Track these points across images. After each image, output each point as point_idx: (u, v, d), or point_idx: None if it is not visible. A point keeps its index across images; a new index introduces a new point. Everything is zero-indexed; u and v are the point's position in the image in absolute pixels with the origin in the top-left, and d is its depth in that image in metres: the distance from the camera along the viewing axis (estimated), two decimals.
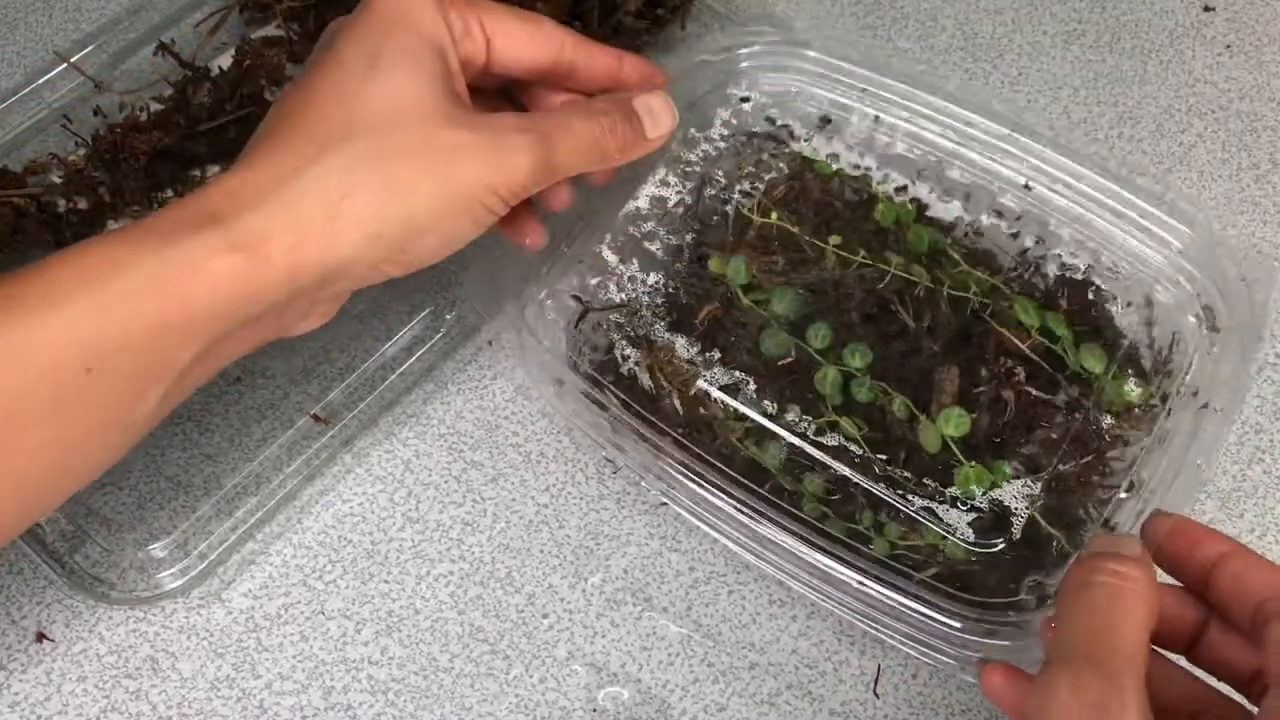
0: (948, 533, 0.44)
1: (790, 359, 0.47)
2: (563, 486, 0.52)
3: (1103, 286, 0.51)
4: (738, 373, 0.47)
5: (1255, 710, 0.35)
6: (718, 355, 0.48)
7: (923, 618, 0.43)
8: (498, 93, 0.50)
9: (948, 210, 0.53)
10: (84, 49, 0.60)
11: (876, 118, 0.55)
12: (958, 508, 0.44)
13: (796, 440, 0.46)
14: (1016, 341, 0.47)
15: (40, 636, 0.48)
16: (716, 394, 0.47)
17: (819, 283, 0.49)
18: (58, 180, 0.58)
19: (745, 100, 0.56)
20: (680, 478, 0.46)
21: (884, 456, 0.45)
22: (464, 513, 0.51)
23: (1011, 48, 0.66)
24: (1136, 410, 0.47)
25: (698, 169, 0.54)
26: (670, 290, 0.50)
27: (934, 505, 0.44)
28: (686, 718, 0.46)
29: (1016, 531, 0.44)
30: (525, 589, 0.49)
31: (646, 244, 0.52)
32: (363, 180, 0.39)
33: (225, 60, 0.61)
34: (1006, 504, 0.44)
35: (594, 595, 0.49)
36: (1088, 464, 0.46)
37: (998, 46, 0.66)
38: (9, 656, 0.48)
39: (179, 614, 0.49)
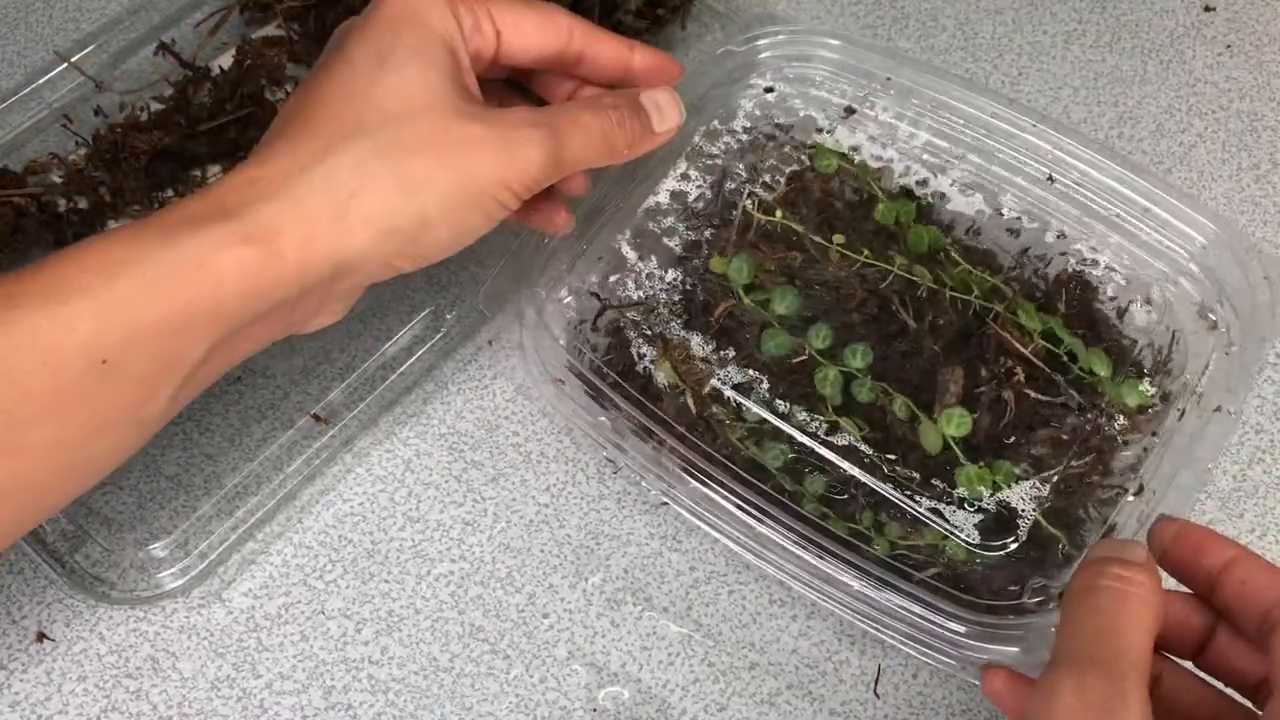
0: (953, 534, 0.44)
1: (803, 357, 0.47)
2: (563, 486, 0.52)
3: (1108, 284, 0.51)
4: (751, 371, 0.47)
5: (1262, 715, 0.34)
6: (732, 353, 0.48)
7: (923, 618, 0.43)
8: (505, 83, 0.50)
9: (969, 203, 0.53)
10: (84, 49, 0.60)
11: (900, 108, 0.55)
12: (965, 509, 0.44)
13: (807, 440, 0.46)
14: (1018, 346, 0.47)
15: (41, 636, 0.48)
16: (729, 393, 0.47)
17: (822, 282, 0.49)
18: (58, 180, 0.58)
19: (769, 90, 0.56)
20: (681, 478, 0.46)
21: (892, 457, 0.45)
22: (464, 512, 0.51)
23: (1011, 48, 0.66)
24: (1139, 411, 0.47)
25: (719, 162, 0.54)
26: (688, 287, 0.50)
27: (941, 506, 0.44)
28: (687, 717, 0.46)
29: (1023, 533, 0.44)
30: (525, 589, 0.49)
31: (665, 240, 0.52)
32: (372, 177, 0.39)
33: (226, 60, 0.61)
34: (1013, 505, 0.44)
35: (594, 595, 0.49)
36: (1090, 465, 0.46)
37: (998, 46, 0.66)
38: (9, 656, 0.48)
39: (179, 614, 0.49)
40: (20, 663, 0.47)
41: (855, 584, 0.43)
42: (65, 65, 0.60)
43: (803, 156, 0.54)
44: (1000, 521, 0.44)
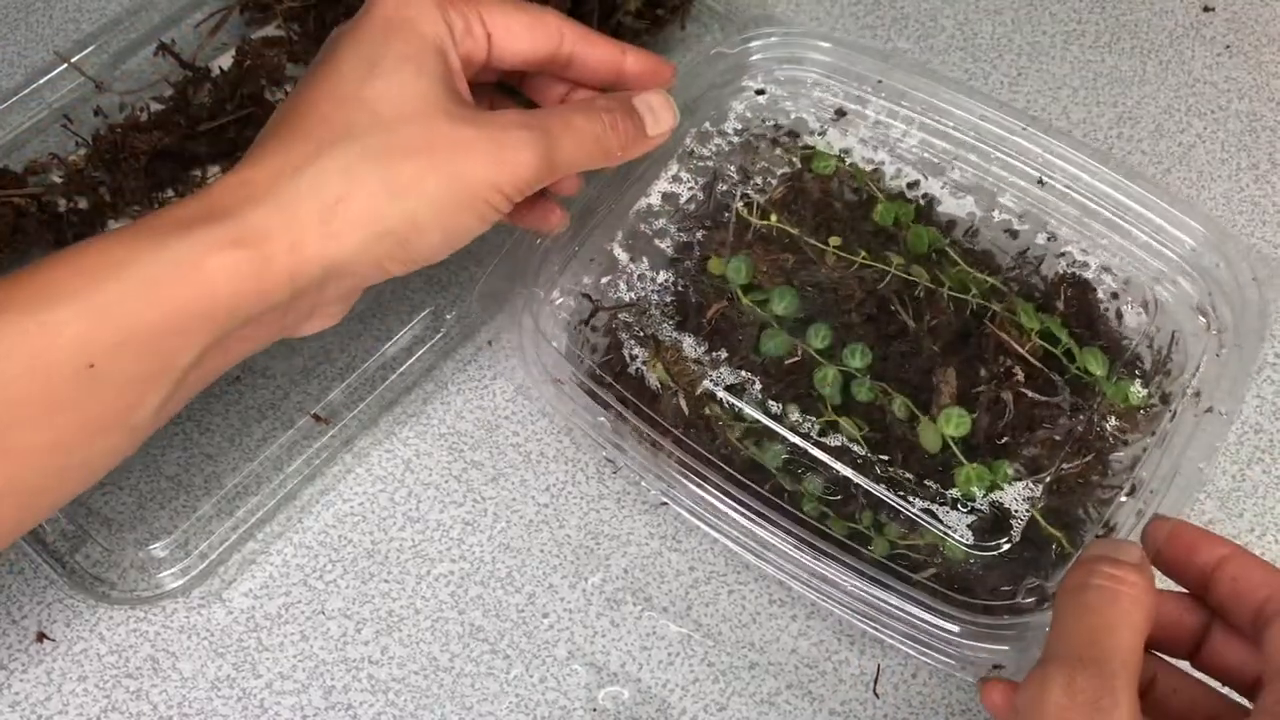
0: (948, 534, 0.44)
1: (797, 358, 0.47)
2: (563, 486, 0.52)
3: (1104, 285, 0.51)
4: (744, 373, 0.47)
5: None
6: (724, 355, 0.48)
7: (922, 618, 0.43)
8: (497, 87, 0.50)
9: (960, 206, 0.53)
10: (84, 49, 0.60)
11: (891, 111, 0.55)
12: (958, 509, 0.44)
13: (800, 441, 0.46)
14: (1016, 346, 0.47)
15: (41, 636, 0.48)
16: (722, 394, 0.47)
17: (815, 284, 0.49)
18: (58, 180, 0.58)
19: (760, 93, 0.56)
20: (680, 478, 0.46)
21: (885, 457, 0.45)
22: (464, 512, 0.51)
23: (1011, 48, 0.66)
24: (1137, 412, 0.47)
25: (710, 164, 0.54)
26: (680, 289, 0.50)
27: (934, 507, 0.44)
28: (686, 717, 0.46)
29: (1016, 534, 0.44)
30: (525, 589, 0.49)
31: (657, 241, 0.52)
32: (360, 181, 0.39)
33: (226, 60, 0.61)
34: (1007, 506, 0.44)
35: (594, 595, 0.49)
36: (1088, 464, 0.46)
37: (998, 46, 0.66)
38: (10, 656, 0.48)
39: (179, 614, 0.49)
40: (20, 663, 0.48)
41: (854, 584, 0.43)
42: (65, 65, 0.60)
43: (794, 159, 0.54)
44: (994, 522, 0.44)
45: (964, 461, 0.45)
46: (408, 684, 0.47)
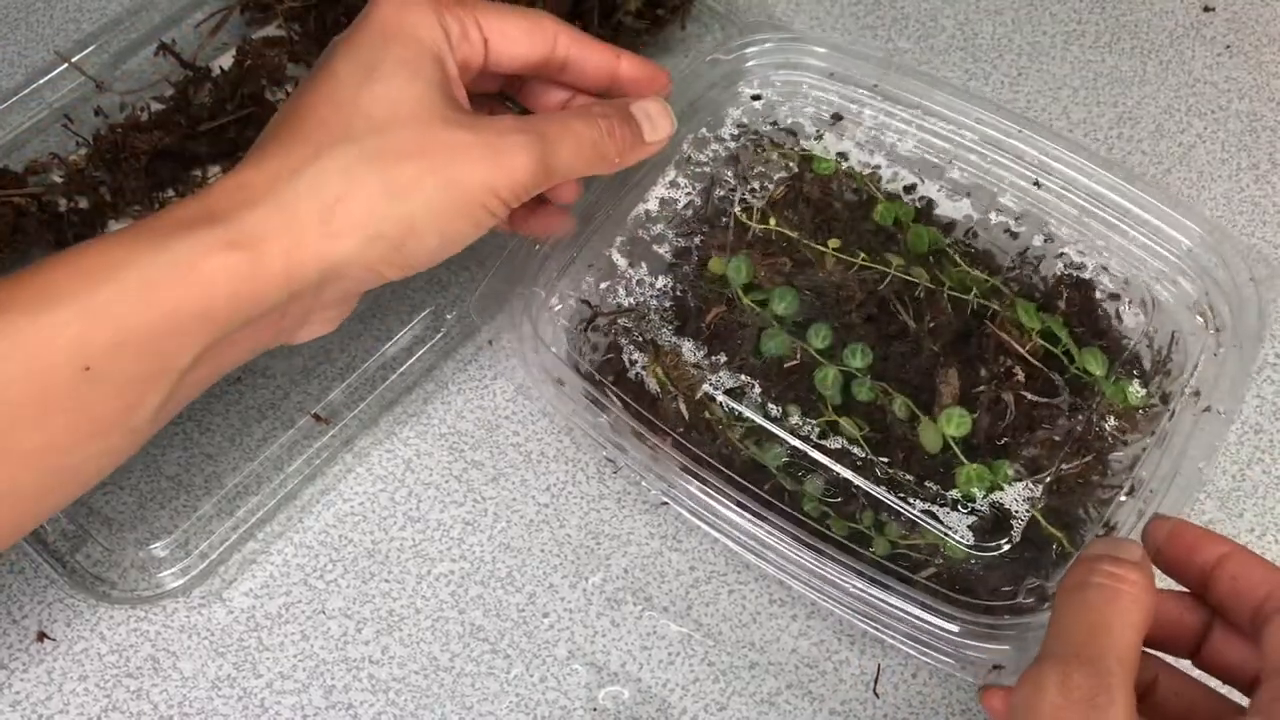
0: (948, 535, 0.44)
1: (796, 361, 0.47)
2: (563, 486, 0.52)
3: (1103, 286, 0.51)
4: (743, 376, 0.47)
5: None
6: (723, 359, 0.48)
7: (922, 618, 0.43)
8: (495, 96, 0.50)
9: (956, 208, 0.53)
10: (85, 49, 0.61)
11: (887, 114, 0.55)
12: (958, 510, 0.44)
13: (799, 444, 0.46)
14: (1017, 346, 0.47)
15: (41, 636, 0.48)
16: (721, 398, 0.47)
17: (813, 287, 0.49)
18: (59, 180, 0.58)
19: (756, 98, 0.56)
20: (680, 478, 0.46)
21: (885, 459, 0.45)
22: (465, 512, 0.51)
23: (1011, 48, 0.66)
24: (1136, 412, 0.47)
25: (707, 169, 0.54)
26: (678, 294, 0.50)
27: (935, 508, 0.44)
28: (687, 717, 0.46)
29: (1016, 534, 0.44)
30: (526, 588, 0.49)
31: (655, 247, 0.52)
32: (359, 183, 0.39)
33: (226, 60, 0.61)
34: (1007, 506, 0.44)
35: (594, 595, 0.49)
36: (1088, 464, 0.46)
37: (998, 47, 0.66)
38: (10, 656, 0.48)
39: (180, 613, 0.49)
40: (21, 662, 0.48)
41: (854, 584, 0.43)
42: (66, 65, 0.60)
43: (790, 164, 0.54)
44: (994, 523, 0.44)
45: (964, 461, 0.45)
46: (408, 684, 0.47)
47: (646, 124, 0.46)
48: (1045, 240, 0.52)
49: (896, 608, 0.43)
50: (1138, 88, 0.64)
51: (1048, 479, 0.45)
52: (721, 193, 0.53)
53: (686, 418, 0.47)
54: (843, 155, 0.54)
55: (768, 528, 0.45)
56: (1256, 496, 0.51)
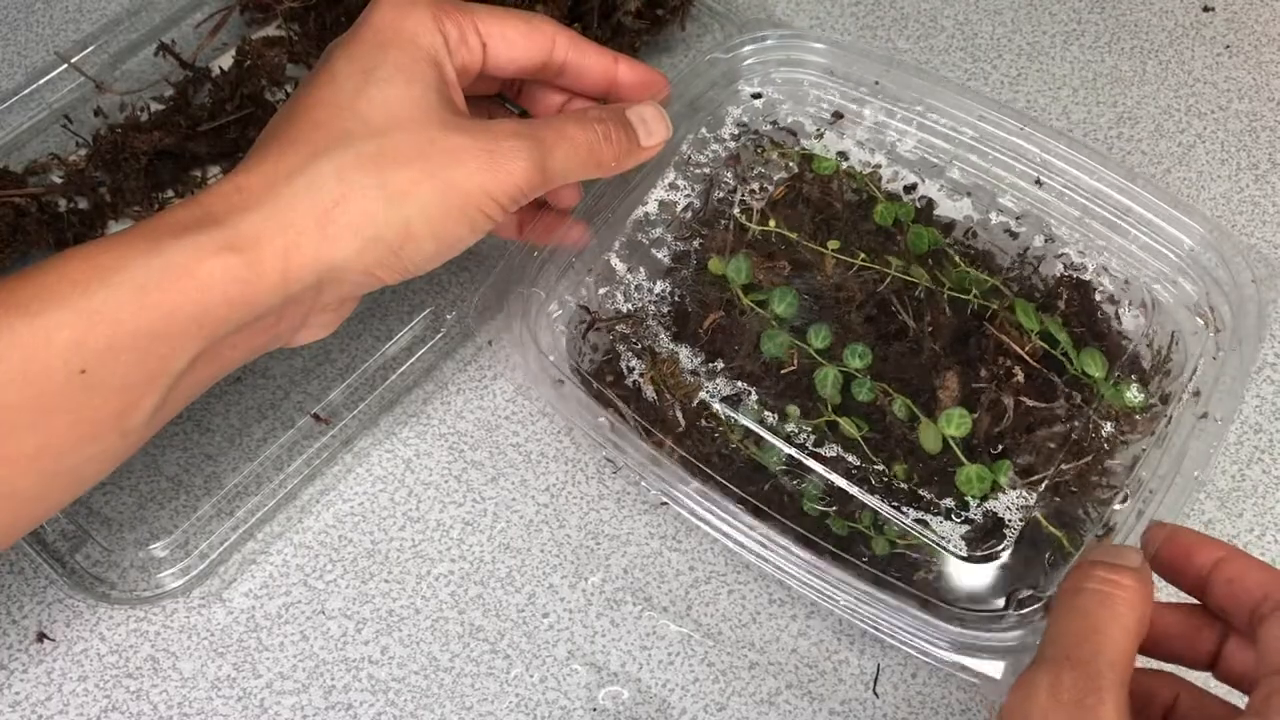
0: (941, 546, 0.44)
1: (793, 367, 0.47)
2: (563, 486, 0.52)
3: (1103, 286, 0.51)
4: (740, 383, 0.47)
5: None
6: (720, 365, 0.48)
7: (922, 618, 0.43)
8: (493, 98, 0.50)
9: (956, 208, 0.53)
10: (85, 49, 0.61)
11: (888, 113, 0.54)
12: (951, 520, 0.44)
13: (794, 452, 0.46)
14: (1016, 348, 0.47)
15: (41, 636, 0.48)
16: (718, 406, 0.47)
17: (816, 290, 0.49)
18: (58, 180, 0.58)
19: (757, 96, 0.56)
20: (680, 478, 0.46)
21: (881, 466, 0.45)
22: (464, 512, 0.51)
23: (1011, 48, 0.66)
24: (1136, 413, 0.47)
25: (706, 170, 0.54)
26: (677, 298, 0.50)
27: (928, 517, 0.44)
28: (686, 717, 0.46)
29: (1014, 535, 0.44)
30: (525, 588, 0.49)
31: (654, 251, 0.52)
32: (357, 185, 0.39)
33: (226, 60, 0.61)
34: (1006, 506, 0.44)
35: (594, 595, 0.49)
36: (1088, 465, 0.46)
37: (998, 46, 0.66)
38: (10, 656, 0.48)
39: (180, 613, 0.49)
40: (21, 662, 0.48)
41: (855, 583, 0.43)
42: (65, 66, 0.60)
43: (790, 163, 0.54)
44: (987, 531, 0.44)
45: (964, 462, 0.45)
46: (408, 684, 0.47)
47: (642, 129, 0.46)
48: (1046, 240, 0.52)
49: (896, 608, 0.43)
50: (1138, 87, 0.64)
51: (1047, 479, 0.45)
52: (721, 194, 0.53)
53: (683, 426, 0.47)
54: (843, 154, 0.54)
55: (767, 528, 0.45)
56: (1256, 496, 0.51)
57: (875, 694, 0.47)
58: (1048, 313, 0.49)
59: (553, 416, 0.53)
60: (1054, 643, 0.34)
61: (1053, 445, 0.46)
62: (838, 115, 0.55)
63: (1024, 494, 0.45)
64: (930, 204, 0.53)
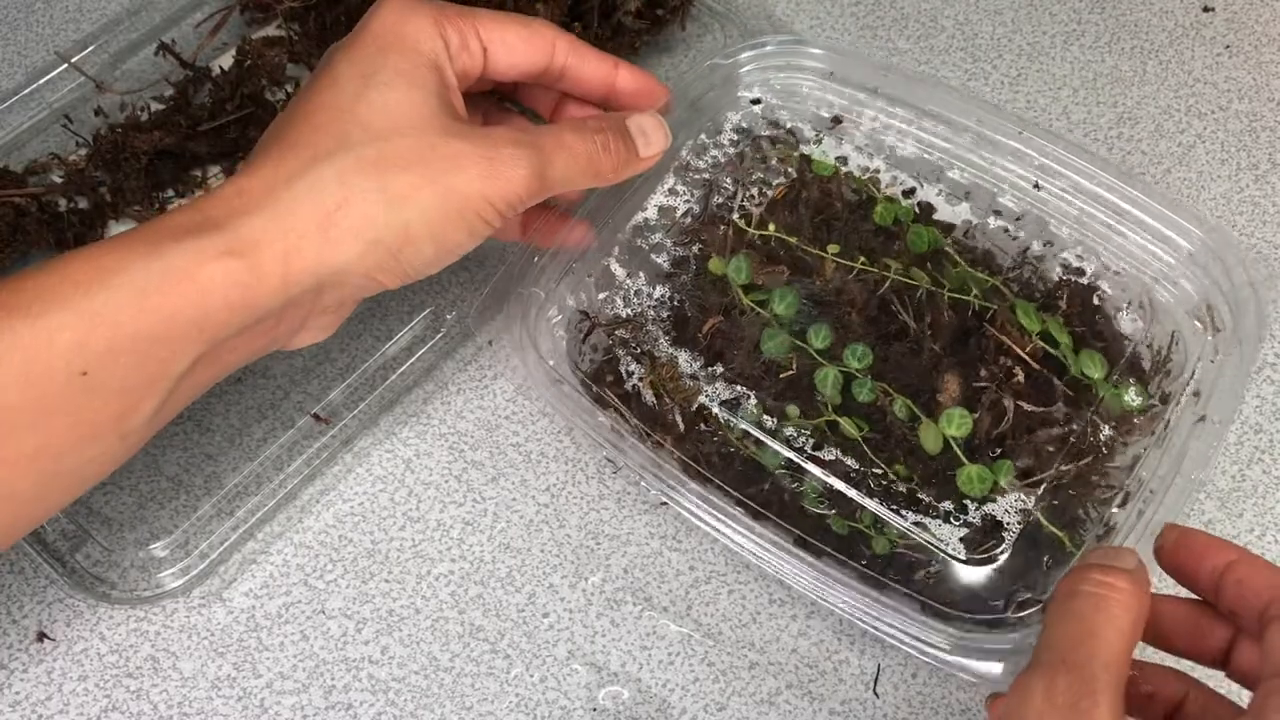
0: (939, 548, 0.44)
1: (792, 372, 0.47)
2: (563, 486, 0.52)
3: (1103, 288, 0.51)
4: (739, 386, 0.47)
5: None
6: (720, 369, 0.48)
7: (922, 618, 0.43)
8: (490, 95, 0.50)
9: (955, 213, 0.53)
10: (85, 49, 0.61)
11: (887, 118, 0.55)
12: (950, 522, 0.44)
13: (794, 456, 0.46)
14: (1017, 349, 0.47)
15: (41, 636, 0.48)
16: (717, 410, 0.47)
17: (815, 295, 0.49)
18: (58, 180, 0.58)
19: (756, 102, 0.56)
20: (680, 478, 0.46)
21: (879, 469, 0.45)
22: (464, 512, 0.51)
23: (1011, 48, 0.66)
24: (1136, 414, 0.47)
25: (706, 176, 0.54)
26: (676, 303, 0.50)
27: (926, 520, 0.44)
28: (686, 717, 0.46)
29: (1014, 536, 0.44)
30: (525, 588, 0.49)
31: (654, 256, 0.52)
32: (358, 189, 0.39)
33: (226, 60, 0.61)
34: (1006, 507, 0.44)
35: (594, 595, 0.49)
36: (1088, 465, 0.46)
37: (998, 47, 0.66)
38: (10, 656, 0.48)
39: (180, 613, 0.49)
40: (21, 662, 0.48)
41: (855, 583, 0.44)
42: (66, 65, 0.60)
43: (789, 168, 0.54)
44: (985, 533, 0.44)
45: (965, 462, 0.45)
46: (408, 684, 0.47)
47: (641, 139, 0.46)
48: (1045, 244, 0.52)
49: (896, 607, 0.43)
50: (1138, 88, 0.64)
51: (1048, 480, 0.45)
52: (720, 199, 0.53)
53: (682, 428, 0.47)
54: (842, 159, 0.54)
55: (768, 527, 0.45)
56: (1256, 496, 0.51)
57: (875, 694, 0.47)
58: (1049, 312, 0.49)
59: (553, 416, 0.54)
60: (1049, 647, 0.34)
61: (1053, 446, 0.46)
62: (837, 120, 0.55)
63: (1022, 496, 0.45)
64: (929, 208, 0.53)
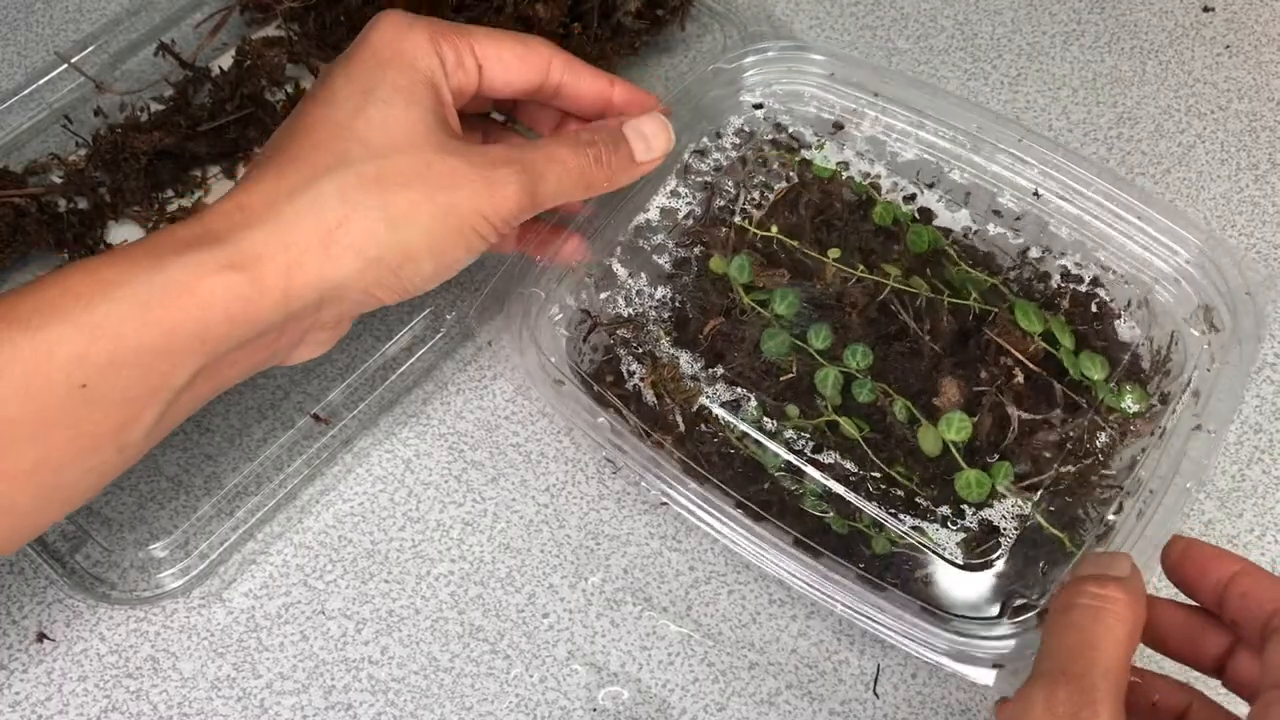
0: (937, 552, 0.44)
1: (792, 375, 0.47)
2: (563, 486, 0.52)
3: (1102, 290, 0.51)
4: (739, 388, 0.47)
5: None
6: (720, 370, 0.48)
7: (922, 618, 0.43)
8: (485, 117, 0.50)
9: (955, 219, 0.53)
10: (85, 49, 0.61)
11: (888, 124, 0.55)
12: (948, 526, 0.44)
13: (793, 458, 0.46)
14: (1015, 352, 0.47)
15: (41, 636, 0.48)
16: (718, 410, 0.47)
17: (818, 297, 0.49)
18: (58, 180, 0.58)
19: (758, 107, 0.56)
20: (680, 478, 0.46)
21: (878, 473, 0.45)
22: (464, 512, 0.51)
23: (1011, 48, 0.66)
24: (1136, 415, 0.47)
25: (708, 179, 0.54)
26: (677, 304, 0.50)
27: (924, 524, 0.44)
28: (686, 717, 0.46)
29: (1005, 550, 0.44)
30: (525, 588, 0.49)
31: (655, 257, 0.52)
32: (359, 207, 0.40)
33: (226, 60, 0.61)
34: (995, 523, 0.45)
35: (594, 595, 0.49)
36: (1088, 466, 0.46)
37: (997, 47, 0.66)
38: (10, 656, 0.48)
39: (180, 614, 0.49)
40: (20, 663, 0.48)
41: (854, 584, 0.44)
42: (65, 66, 0.60)
43: (791, 172, 0.54)
44: (982, 537, 0.44)
45: (963, 465, 0.45)
46: (408, 684, 0.47)
47: (640, 144, 0.46)
48: (1044, 250, 0.52)
49: (896, 607, 0.43)
50: (1137, 88, 0.64)
51: (1048, 481, 0.45)
52: (722, 202, 0.53)
53: (683, 428, 0.47)
54: (843, 164, 0.54)
55: (767, 527, 0.45)
56: (1256, 496, 0.51)
57: (875, 694, 0.47)
58: (1050, 312, 0.49)
59: (553, 416, 0.54)
60: (1048, 658, 0.35)
61: (1051, 450, 0.46)
62: (838, 126, 0.55)
63: (1019, 501, 0.45)
64: (929, 214, 0.53)
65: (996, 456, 0.46)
